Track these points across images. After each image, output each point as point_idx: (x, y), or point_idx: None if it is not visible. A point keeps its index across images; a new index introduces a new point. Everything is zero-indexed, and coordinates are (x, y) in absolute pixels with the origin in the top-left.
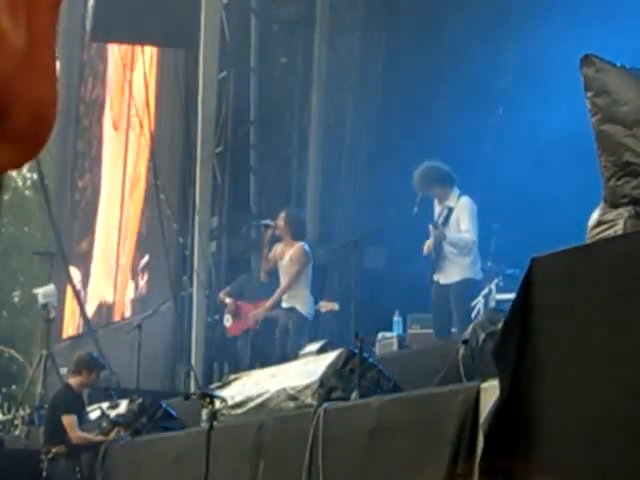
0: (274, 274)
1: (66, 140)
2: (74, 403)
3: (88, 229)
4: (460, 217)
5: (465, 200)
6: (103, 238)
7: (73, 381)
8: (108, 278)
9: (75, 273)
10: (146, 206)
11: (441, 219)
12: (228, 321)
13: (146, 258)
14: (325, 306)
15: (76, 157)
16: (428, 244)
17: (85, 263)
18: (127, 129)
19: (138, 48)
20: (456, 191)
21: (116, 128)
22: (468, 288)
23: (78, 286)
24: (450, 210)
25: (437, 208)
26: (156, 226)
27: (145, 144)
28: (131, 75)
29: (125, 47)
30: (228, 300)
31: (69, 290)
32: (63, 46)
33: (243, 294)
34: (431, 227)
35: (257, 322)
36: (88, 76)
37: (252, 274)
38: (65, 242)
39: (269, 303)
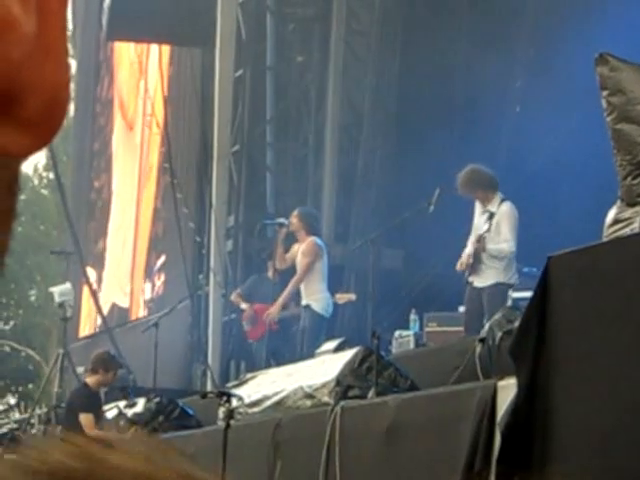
0: (285, 274)
1: (83, 139)
2: (91, 402)
3: (104, 229)
4: (501, 224)
5: (507, 206)
6: (117, 238)
7: (90, 380)
8: (124, 278)
9: (91, 273)
10: (162, 205)
11: (484, 227)
12: (247, 327)
13: (162, 259)
14: (342, 297)
15: (92, 157)
16: (461, 262)
17: (101, 263)
18: (142, 128)
19: (154, 47)
20: (499, 195)
21: (131, 128)
22: (501, 292)
23: (94, 285)
24: (491, 215)
25: (477, 212)
26: (172, 225)
27: (160, 143)
28: (147, 74)
29: (141, 46)
30: (243, 305)
31: (85, 289)
32: (79, 45)
33: (255, 295)
34: (473, 240)
35: (274, 322)
36: (104, 75)
37: (263, 274)
38: (82, 242)
39: (281, 300)
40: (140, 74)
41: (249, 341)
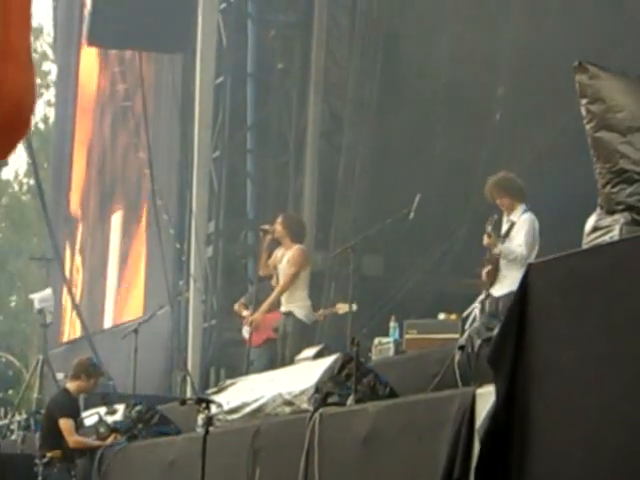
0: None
1: (63, 146)
2: (71, 407)
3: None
4: (519, 231)
5: (527, 216)
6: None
7: (71, 385)
8: (103, 285)
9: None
10: (142, 212)
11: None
12: (247, 332)
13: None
14: (342, 307)
15: (72, 163)
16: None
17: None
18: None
19: (135, 54)
20: (523, 206)
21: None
22: None
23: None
24: (512, 224)
25: (504, 221)
26: (153, 231)
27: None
28: (126, 81)
29: (120, 53)
30: (245, 312)
31: (66, 295)
32: (60, 51)
33: (258, 304)
34: (485, 236)
35: (273, 331)
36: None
37: (266, 283)
38: (59, 279)
39: (265, 306)
40: (118, 81)
41: (249, 347)
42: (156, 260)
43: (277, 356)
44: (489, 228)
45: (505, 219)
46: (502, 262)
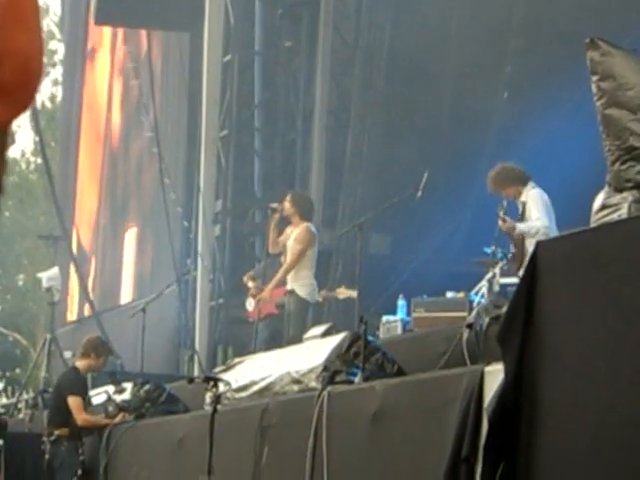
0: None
1: (70, 124)
2: (80, 385)
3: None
4: (531, 208)
5: (535, 191)
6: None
7: (80, 364)
8: (111, 261)
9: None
10: (150, 190)
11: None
12: (250, 305)
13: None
14: (343, 292)
15: (79, 142)
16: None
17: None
18: (130, 114)
19: (142, 32)
20: (529, 186)
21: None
22: None
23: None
24: (524, 204)
25: (519, 206)
26: (161, 209)
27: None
28: (136, 60)
29: (129, 31)
30: (252, 283)
31: (73, 273)
32: (67, 30)
33: (266, 278)
34: (500, 222)
35: (275, 307)
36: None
37: (275, 259)
38: (67, 257)
39: (272, 284)
40: (124, 59)
41: (250, 320)
42: (164, 238)
43: (277, 333)
44: (501, 213)
45: (518, 203)
46: (527, 241)
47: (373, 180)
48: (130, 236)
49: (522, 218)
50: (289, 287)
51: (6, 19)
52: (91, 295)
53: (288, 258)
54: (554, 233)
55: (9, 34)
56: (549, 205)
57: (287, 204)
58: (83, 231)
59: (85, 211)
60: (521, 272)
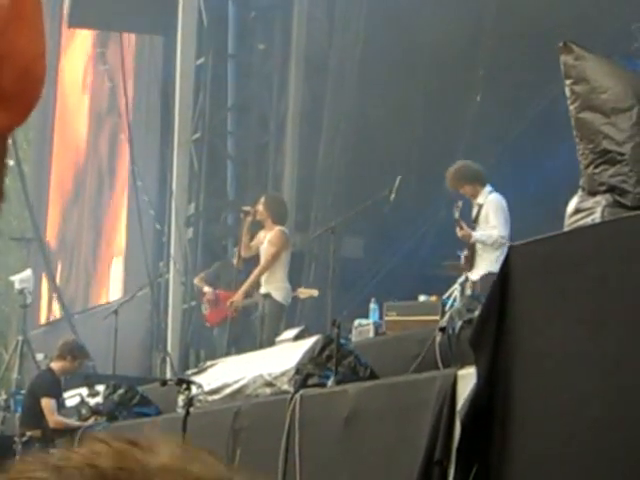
0: (250, 262)
1: (43, 126)
2: (54, 387)
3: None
4: (489, 214)
5: (494, 197)
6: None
7: (55, 365)
8: (83, 268)
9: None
10: (123, 193)
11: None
12: (206, 310)
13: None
14: (304, 292)
15: (52, 144)
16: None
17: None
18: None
19: (114, 34)
20: (487, 189)
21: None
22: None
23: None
24: (480, 207)
25: (473, 207)
26: (133, 212)
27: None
28: (108, 63)
29: (99, 34)
30: (206, 288)
31: (44, 276)
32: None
33: (219, 281)
34: (457, 229)
35: (236, 309)
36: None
37: (228, 261)
38: (39, 259)
39: (245, 287)
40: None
41: (208, 325)
42: (136, 241)
43: (238, 336)
44: (457, 214)
45: (473, 203)
46: (478, 246)
47: (346, 183)
48: (102, 238)
49: (476, 220)
50: (263, 290)
51: (8, 21)
52: (63, 297)
53: (262, 260)
54: (508, 242)
55: (11, 37)
56: (507, 212)
57: (260, 207)
58: (54, 232)
59: (56, 213)
60: (471, 273)
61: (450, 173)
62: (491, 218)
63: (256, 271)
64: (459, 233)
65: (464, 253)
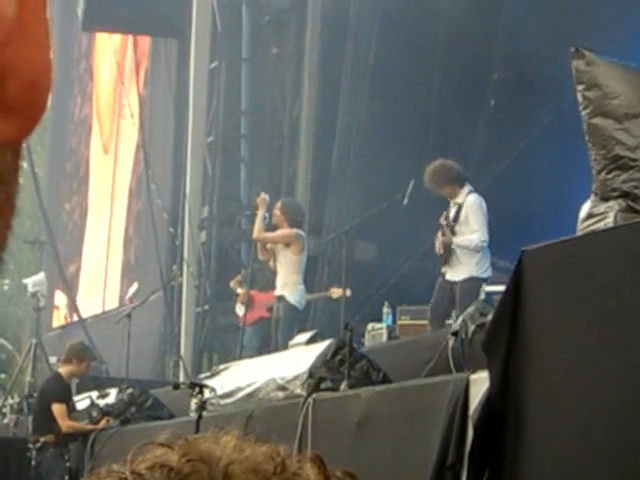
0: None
1: (58, 131)
2: (64, 392)
3: (76, 251)
4: (469, 216)
5: (473, 198)
6: (92, 257)
7: (63, 370)
8: (97, 288)
9: (61, 297)
10: (136, 197)
11: (450, 216)
12: (240, 310)
13: (135, 286)
14: (336, 292)
15: (67, 147)
16: (438, 245)
17: (73, 286)
18: (118, 127)
19: (130, 39)
20: (466, 188)
21: (106, 151)
22: (474, 287)
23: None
24: (459, 207)
25: (452, 207)
26: (146, 216)
27: (136, 149)
28: (123, 67)
29: (116, 39)
30: (240, 289)
31: (59, 279)
32: (55, 38)
33: (254, 283)
34: (439, 233)
35: (266, 309)
36: (77, 94)
37: (263, 264)
38: (53, 262)
39: (265, 235)
40: (118, 71)
41: (240, 325)
42: (149, 245)
43: (269, 337)
44: (444, 223)
45: (452, 203)
46: (458, 250)
47: (359, 187)
48: (116, 242)
49: (456, 220)
50: (278, 293)
51: (14, 33)
52: (77, 300)
53: (282, 266)
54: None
55: (17, 49)
56: (487, 214)
57: (277, 211)
58: (67, 236)
59: (69, 216)
60: (448, 273)
61: (428, 174)
62: (471, 221)
63: (272, 234)
64: (441, 238)
65: (440, 239)
